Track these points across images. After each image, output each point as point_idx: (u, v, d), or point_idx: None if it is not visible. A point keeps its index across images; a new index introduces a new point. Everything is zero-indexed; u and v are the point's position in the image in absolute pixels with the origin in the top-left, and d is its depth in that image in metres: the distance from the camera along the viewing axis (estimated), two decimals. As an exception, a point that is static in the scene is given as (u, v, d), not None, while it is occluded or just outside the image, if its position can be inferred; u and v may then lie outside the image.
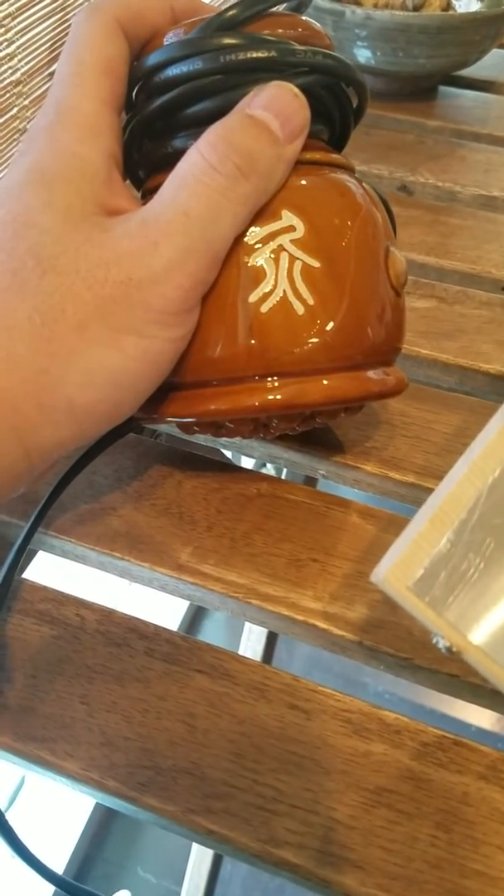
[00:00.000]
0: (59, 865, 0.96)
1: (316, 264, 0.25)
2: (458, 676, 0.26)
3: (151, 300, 0.23)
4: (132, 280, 0.23)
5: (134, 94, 0.27)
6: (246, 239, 0.25)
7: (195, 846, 0.98)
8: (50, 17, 0.50)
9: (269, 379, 0.26)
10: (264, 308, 0.25)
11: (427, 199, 0.50)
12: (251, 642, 0.85)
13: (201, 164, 0.23)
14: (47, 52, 0.50)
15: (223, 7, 0.25)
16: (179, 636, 0.28)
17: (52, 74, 0.51)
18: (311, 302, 0.25)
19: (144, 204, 0.25)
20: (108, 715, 0.26)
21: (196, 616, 1.22)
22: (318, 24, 0.27)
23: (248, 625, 0.88)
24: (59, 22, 0.51)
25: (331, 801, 0.24)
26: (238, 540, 0.30)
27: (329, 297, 0.25)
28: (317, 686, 0.26)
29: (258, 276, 0.25)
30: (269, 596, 0.28)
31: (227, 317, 0.25)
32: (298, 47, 0.25)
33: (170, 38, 0.26)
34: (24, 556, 0.28)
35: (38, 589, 0.29)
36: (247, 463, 0.66)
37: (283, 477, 0.38)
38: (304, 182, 0.26)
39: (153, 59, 0.26)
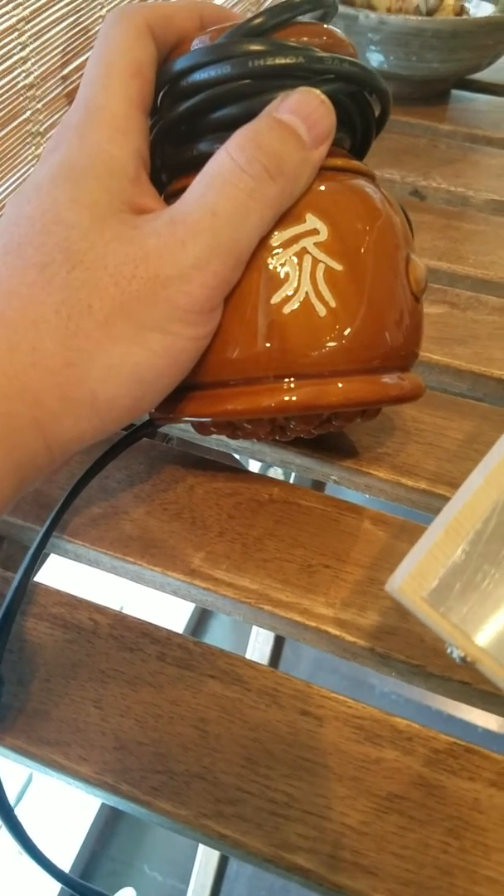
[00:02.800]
0: (65, 863, 0.97)
1: (339, 267, 0.25)
2: (470, 684, 0.27)
3: (177, 298, 0.23)
4: (159, 277, 0.23)
5: (159, 98, 0.28)
6: (270, 241, 0.25)
7: (202, 845, 0.98)
8: (63, 21, 0.50)
9: (287, 380, 0.26)
10: (286, 310, 0.25)
11: (439, 204, 0.50)
12: (259, 644, 0.85)
13: (230, 164, 0.24)
14: (60, 55, 0.51)
15: (251, 16, 0.26)
16: (192, 641, 0.28)
17: (64, 78, 0.52)
18: (333, 304, 0.25)
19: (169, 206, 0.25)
20: (121, 719, 0.26)
21: (203, 617, 1.22)
22: (342, 33, 0.27)
23: (255, 626, 0.88)
24: (71, 26, 0.51)
25: (343, 806, 0.24)
26: (250, 545, 0.30)
27: (351, 300, 0.25)
28: (329, 692, 0.27)
29: (281, 277, 0.25)
30: (281, 602, 0.29)
31: (248, 318, 0.25)
32: (324, 54, 0.26)
33: (197, 44, 0.26)
34: (38, 560, 0.29)
35: (52, 593, 0.29)
36: (253, 466, 0.66)
37: (291, 481, 0.39)
38: (327, 187, 0.26)
39: (181, 63, 0.26)
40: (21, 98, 0.46)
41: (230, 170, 0.24)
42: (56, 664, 0.27)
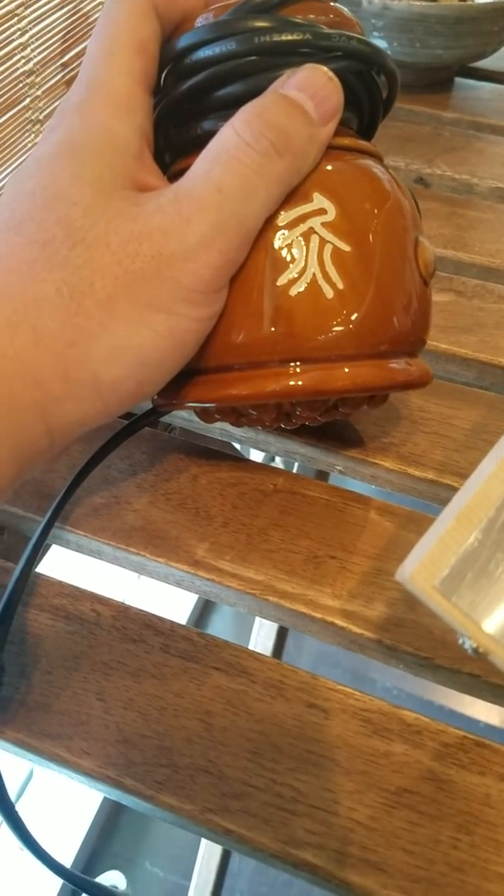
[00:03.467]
0: (67, 859, 0.96)
1: (346, 248, 0.25)
2: (480, 676, 0.26)
3: (182, 277, 0.23)
4: (163, 255, 0.22)
5: (163, 77, 0.27)
6: (276, 221, 0.24)
7: (204, 841, 0.98)
8: (63, 7, 0.49)
9: (293, 364, 0.25)
10: (293, 291, 0.24)
11: (444, 192, 0.50)
12: (261, 636, 0.85)
13: (235, 140, 0.23)
14: (60, 42, 0.50)
15: None
16: (196, 633, 0.27)
17: (64, 65, 0.51)
18: (340, 286, 0.25)
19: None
20: (124, 712, 0.25)
21: (205, 609, 1.22)
22: (348, 11, 0.26)
23: (258, 619, 0.88)
24: (71, 12, 0.51)
25: (351, 801, 0.24)
26: (255, 536, 0.30)
27: (359, 282, 0.25)
28: (335, 685, 0.26)
29: (288, 258, 0.24)
30: (287, 593, 0.28)
31: (254, 300, 0.25)
32: (332, 31, 0.25)
33: (201, 21, 0.26)
34: (40, 550, 0.28)
35: (54, 584, 0.29)
36: (255, 457, 0.65)
37: (294, 471, 0.38)
38: (335, 166, 0.25)
39: (185, 40, 0.26)
40: (21, 85, 0.45)
41: (236, 145, 0.23)
42: (58, 656, 0.27)
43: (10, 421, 0.21)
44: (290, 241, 0.24)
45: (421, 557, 0.20)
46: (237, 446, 0.36)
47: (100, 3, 0.53)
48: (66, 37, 0.50)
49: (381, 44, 0.55)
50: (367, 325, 0.25)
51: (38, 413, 0.22)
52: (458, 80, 0.61)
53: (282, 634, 0.86)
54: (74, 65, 0.51)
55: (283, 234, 0.24)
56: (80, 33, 0.52)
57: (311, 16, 0.25)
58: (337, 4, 0.26)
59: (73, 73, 0.51)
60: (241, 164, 0.23)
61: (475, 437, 0.33)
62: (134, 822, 1.04)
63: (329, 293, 0.25)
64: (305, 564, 0.29)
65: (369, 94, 0.28)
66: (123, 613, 0.28)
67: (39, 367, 0.22)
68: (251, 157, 0.23)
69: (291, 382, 0.25)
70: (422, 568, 0.20)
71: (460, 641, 0.21)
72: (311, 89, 0.24)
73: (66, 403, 0.22)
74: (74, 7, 0.50)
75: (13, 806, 0.24)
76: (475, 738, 0.25)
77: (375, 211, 0.25)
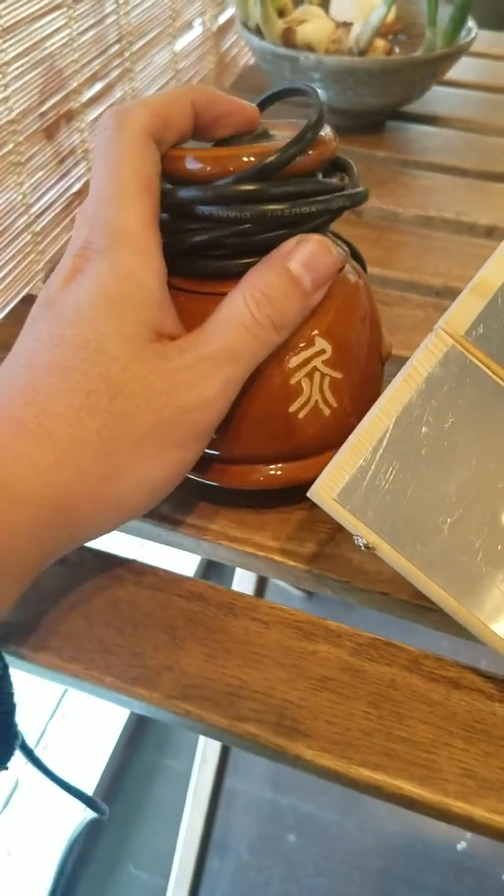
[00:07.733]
0: (52, 863, 0.99)
1: (339, 376, 0.32)
2: (389, 594, 0.32)
3: (200, 421, 0.28)
4: (187, 406, 0.28)
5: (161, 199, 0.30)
6: (288, 364, 0.31)
7: (181, 841, 1.01)
8: (40, 66, 0.57)
9: (278, 465, 0.34)
10: (300, 415, 0.32)
11: (373, 220, 0.57)
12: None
13: (246, 315, 0.29)
14: (38, 94, 0.57)
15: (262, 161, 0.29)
16: (162, 570, 0.34)
17: (42, 115, 0.58)
18: (334, 405, 0.32)
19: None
20: (105, 629, 0.31)
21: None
22: (327, 132, 0.31)
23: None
24: (47, 69, 0.58)
25: (285, 687, 0.30)
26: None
27: (347, 398, 0.33)
28: (275, 604, 0.32)
29: (297, 391, 0.32)
30: (237, 538, 0.34)
31: (273, 423, 0.32)
32: (320, 199, 0.30)
33: (191, 165, 0.29)
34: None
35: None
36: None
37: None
38: (328, 304, 0.31)
39: (188, 193, 0.29)
40: (4, 132, 0.52)
41: (247, 319, 0.28)
42: (49, 590, 0.33)
43: (43, 537, 0.26)
44: (298, 379, 0.32)
45: (324, 478, 0.27)
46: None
47: (73, 61, 0.60)
48: (43, 91, 0.57)
49: (320, 93, 0.62)
50: (351, 423, 0.31)
51: (68, 531, 0.27)
52: (389, 122, 0.69)
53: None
54: (51, 115, 0.58)
55: (294, 374, 0.31)
56: (55, 87, 0.59)
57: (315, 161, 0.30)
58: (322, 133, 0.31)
59: (49, 123, 0.58)
60: (250, 335, 0.29)
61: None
62: (118, 827, 1.08)
63: (326, 412, 0.32)
64: (252, 516, 0.35)
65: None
66: (104, 559, 0.34)
67: (77, 498, 0.26)
68: (257, 330, 0.29)
69: (273, 473, 0.34)
70: (324, 485, 0.27)
71: (356, 540, 0.27)
72: (313, 264, 0.29)
73: (92, 523, 0.28)
74: (49, 65, 0.58)
75: (32, 751, 0.29)
76: (384, 639, 0.31)
77: (361, 338, 0.33)
